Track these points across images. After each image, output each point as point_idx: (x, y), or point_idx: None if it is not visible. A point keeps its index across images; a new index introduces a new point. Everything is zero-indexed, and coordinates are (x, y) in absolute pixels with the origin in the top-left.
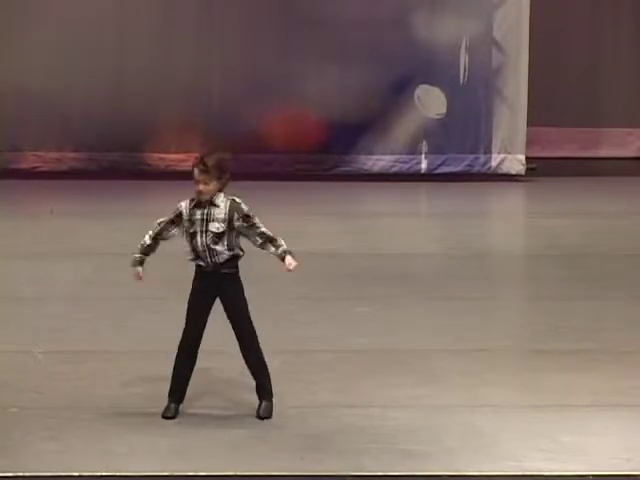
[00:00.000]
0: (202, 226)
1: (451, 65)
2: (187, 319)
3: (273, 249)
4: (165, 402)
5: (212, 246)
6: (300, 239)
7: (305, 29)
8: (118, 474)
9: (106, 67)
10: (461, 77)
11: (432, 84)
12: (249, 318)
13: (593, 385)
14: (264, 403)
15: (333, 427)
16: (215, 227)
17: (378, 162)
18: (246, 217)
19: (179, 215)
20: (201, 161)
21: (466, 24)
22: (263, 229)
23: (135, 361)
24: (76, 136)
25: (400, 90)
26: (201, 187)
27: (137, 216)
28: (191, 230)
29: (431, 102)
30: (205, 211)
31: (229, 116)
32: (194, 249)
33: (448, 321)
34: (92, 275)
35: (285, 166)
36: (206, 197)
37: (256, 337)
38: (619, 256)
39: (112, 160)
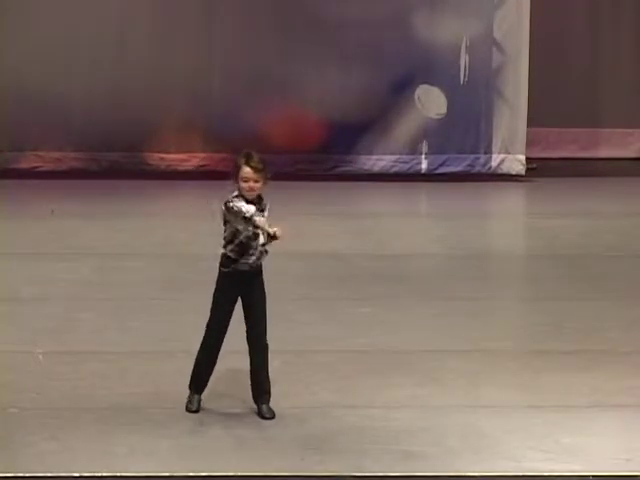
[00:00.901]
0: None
1: (451, 65)
2: (212, 316)
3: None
4: (165, 402)
5: (262, 248)
6: (300, 239)
7: (305, 29)
8: (118, 474)
9: (106, 67)
10: (461, 77)
11: (432, 84)
12: (265, 312)
13: (593, 385)
14: (265, 405)
15: (333, 427)
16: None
17: (378, 162)
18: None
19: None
20: (253, 160)
21: (466, 24)
22: None
23: (135, 361)
24: (76, 136)
25: (400, 90)
26: (252, 184)
27: (138, 216)
28: (254, 231)
29: (431, 102)
30: (263, 214)
31: (229, 116)
32: (245, 248)
33: (448, 321)
34: (92, 275)
35: (285, 166)
36: (255, 195)
37: (266, 331)
38: (619, 256)
39: (112, 160)
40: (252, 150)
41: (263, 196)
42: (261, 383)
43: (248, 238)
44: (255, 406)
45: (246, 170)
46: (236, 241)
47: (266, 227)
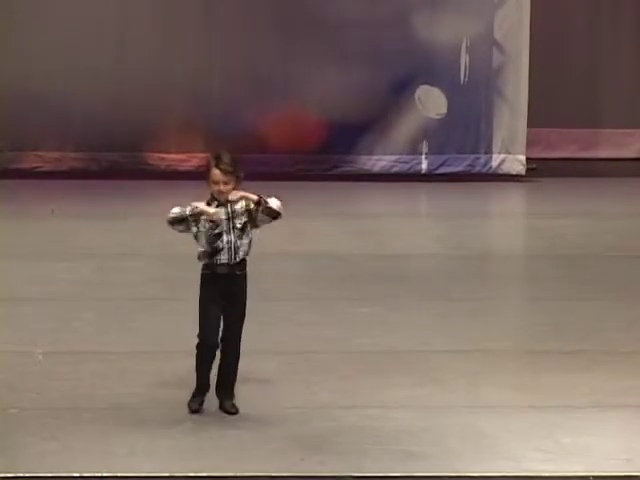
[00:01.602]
0: (228, 225)
1: (452, 65)
2: (203, 322)
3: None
4: (165, 402)
5: (237, 242)
6: (300, 239)
7: (306, 29)
8: (118, 475)
9: (106, 67)
10: (462, 77)
11: (433, 84)
12: (244, 318)
13: (593, 385)
14: (229, 401)
15: (333, 428)
16: (239, 222)
17: (378, 162)
18: (257, 204)
19: (200, 214)
20: (222, 162)
21: (467, 24)
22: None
23: (135, 361)
24: (77, 136)
25: (401, 90)
26: (222, 187)
27: (138, 216)
28: (217, 230)
29: (431, 102)
30: (229, 210)
31: (230, 116)
32: (215, 249)
33: (448, 321)
34: (92, 275)
35: (285, 166)
36: (226, 197)
37: (241, 337)
38: (619, 257)
39: (112, 160)
40: (223, 151)
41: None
42: (228, 381)
43: (209, 238)
44: (256, 405)
45: (215, 172)
46: (200, 243)
47: (208, 210)
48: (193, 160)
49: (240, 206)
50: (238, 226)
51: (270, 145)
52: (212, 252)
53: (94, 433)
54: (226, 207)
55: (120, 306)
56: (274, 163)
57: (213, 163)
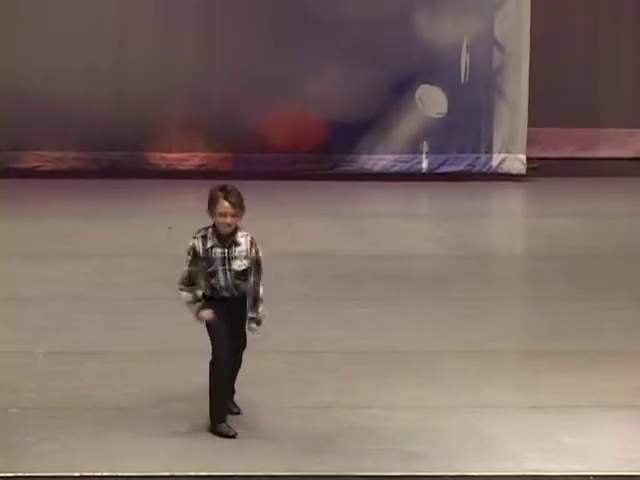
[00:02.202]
0: (224, 265)
1: (452, 65)
2: (215, 342)
3: (250, 305)
4: (165, 402)
5: (236, 282)
6: (300, 239)
7: (306, 29)
8: (118, 474)
9: (107, 66)
10: (462, 77)
11: (433, 84)
12: (246, 342)
13: (594, 386)
14: (231, 401)
15: (334, 427)
16: (238, 265)
17: (379, 162)
18: (258, 265)
19: (196, 255)
20: (231, 195)
21: (467, 24)
22: (258, 280)
23: (135, 361)
24: (77, 135)
25: (401, 90)
26: (229, 220)
27: (138, 216)
28: (210, 269)
29: (432, 102)
30: (226, 250)
31: (230, 116)
32: (212, 286)
33: (449, 322)
34: (93, 276)
35: (285, 166)
36: (231, 229)
37: (244, 350)
38: (619, 257)
39: (113, 159)
40: (229, 184)
41: (241, 236)
42: (233, 390)
43: (204, 276)
44: (254, 405)
45: (225, 205)
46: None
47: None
48: (194, 159)
49: (241, 249)
50: (236, 268)
51: (270, 145)
52: (209, 286)
53: (94, 433)
54: (223, 247)
55: (120, 306)
56: (274, 163)
57: (222, 195)
